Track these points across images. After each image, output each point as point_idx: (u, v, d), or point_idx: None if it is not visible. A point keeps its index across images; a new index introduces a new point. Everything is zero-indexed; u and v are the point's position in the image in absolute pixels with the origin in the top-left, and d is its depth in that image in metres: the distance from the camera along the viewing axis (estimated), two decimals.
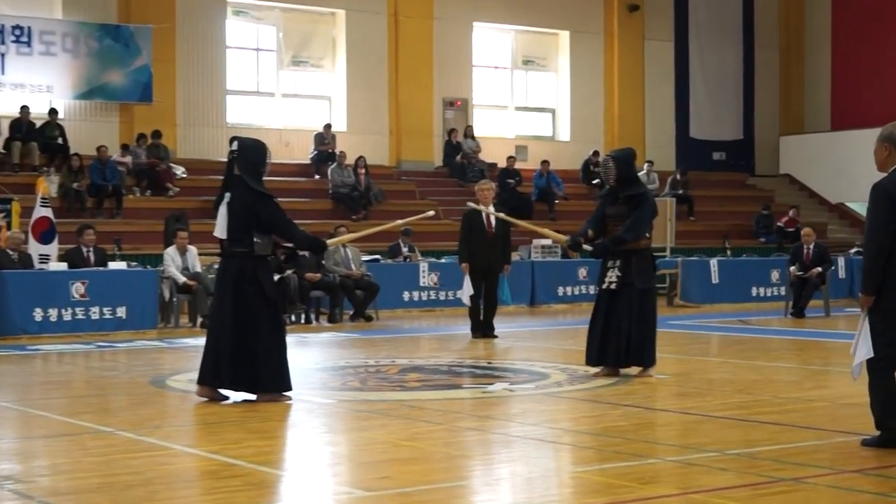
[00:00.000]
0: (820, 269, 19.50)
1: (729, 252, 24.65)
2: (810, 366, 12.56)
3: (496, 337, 15.38)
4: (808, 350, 14.60)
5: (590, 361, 11.13)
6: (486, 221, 15.26)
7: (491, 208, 15.53)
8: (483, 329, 15.50)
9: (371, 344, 15.07)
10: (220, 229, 9.59)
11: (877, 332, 7.25)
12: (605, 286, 11.00)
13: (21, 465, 7.18)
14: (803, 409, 9.05)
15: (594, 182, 29.20)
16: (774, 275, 22.95)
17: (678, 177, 29.62)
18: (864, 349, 7.29)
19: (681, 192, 29.09)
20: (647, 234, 11.11)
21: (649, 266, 11.13)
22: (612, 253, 10.94)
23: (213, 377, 9.51)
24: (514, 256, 22.69)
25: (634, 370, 11.05)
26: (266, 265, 9.66)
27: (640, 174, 28.51)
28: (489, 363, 12.66)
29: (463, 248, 15.56)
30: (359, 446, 7.76)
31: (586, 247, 11.16)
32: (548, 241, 22.18)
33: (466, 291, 15.62)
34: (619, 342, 10.88)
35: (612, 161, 11.06)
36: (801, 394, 9.97)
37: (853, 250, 25.59)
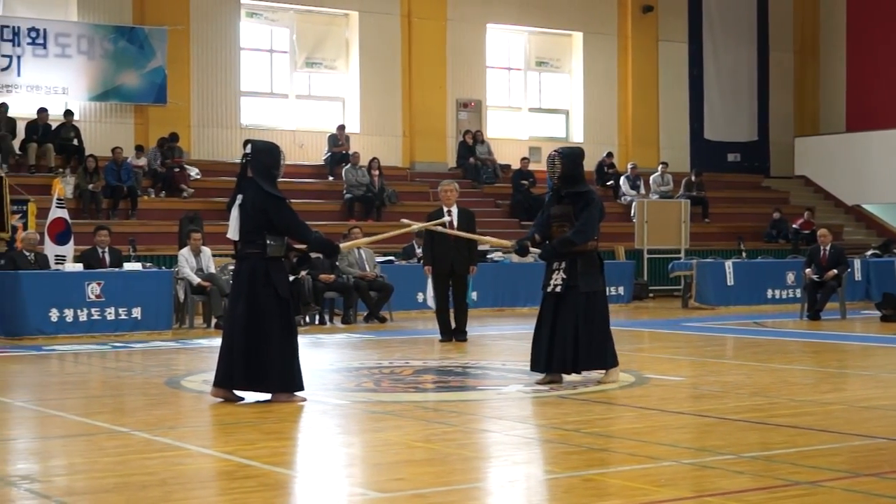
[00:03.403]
0: (836, 271, 19.45)
1: (744, 254, 24.60)
2: (826, 368, 12.53)
3: (466, 342, 15.15)
4: (824, 352, 14.55)
5: (537, 367, 10.64)
6: (449, 223, 14.78)
7: (454, 209, 15.40)
8: (454, 334, 15.32)
9: (385, 345, 15.07)
10: (233, 231, 9.61)
11: None
12: (549, 289, 10.56)
13: (38, 464, 7.20)
14: (820, 412, 9.02)
15: (608, 183, 29.21)
16: (790, 277, 22.89)
17: (693, 178, 29.58)
18: None
19: (695, 193, 29.04)
20: (595, 237, 10.67)
21: (596, 269, 10.60)
22: (559, 255, 10.53)
23: (227, 379, 9.52)
24: (528, 258, 22.73)
25: (595, 376, 10.70)
26: (279, 266, 9.65)
27: (655, 175, 28.88)
28: (503, 364, 12.65)
29: (427, 250, 15.45)
30: (373, 447, 7.75)
31: (533, 250, 10.93)
32: None
33: (430, 294, 15.64)
34: (566, 348, 10.43)
35: (559, 157, 10.60)
36: (817, 396, 9.94)
37: (869, 252, 25.52)
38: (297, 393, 9.53)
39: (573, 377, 10.72)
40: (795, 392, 10.23)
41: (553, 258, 10.62)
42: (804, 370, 12.27)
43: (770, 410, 9.08)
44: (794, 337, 16.61)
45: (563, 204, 10.66)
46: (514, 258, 22.26)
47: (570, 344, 10.43)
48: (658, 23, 31.89)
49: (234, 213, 9.60)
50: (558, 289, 10.52)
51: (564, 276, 10.50)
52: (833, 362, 13.31)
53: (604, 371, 10.68)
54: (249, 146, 9.75)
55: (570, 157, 10.73)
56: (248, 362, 9.42)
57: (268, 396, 9.49)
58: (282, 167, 9.80)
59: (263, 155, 9.69)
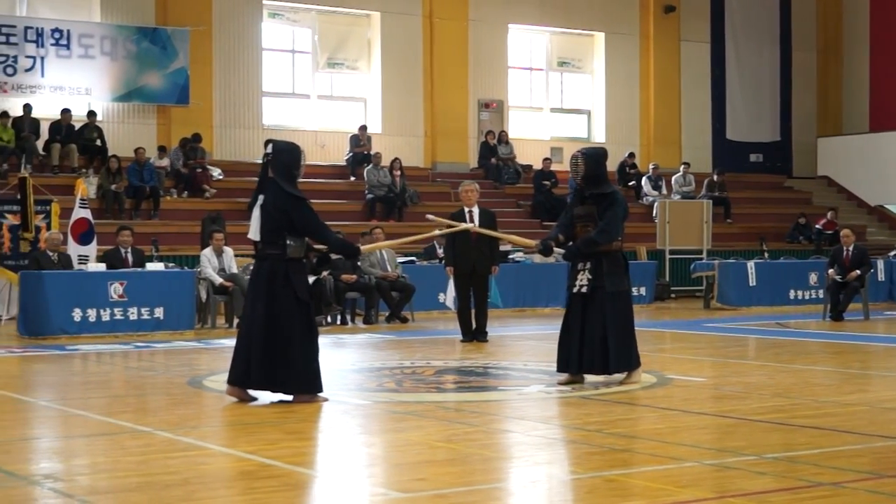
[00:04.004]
0: (859, 271, 19.37)
1: (766, 254, 24.53)
2: (849, 369, 12.48)
3: (487, 342, 15.14)
4: (846, 353, 14.49)
5: (567, 368, 10.63)
6: (469, 223, 14.69)
7: (475, 209, 15.36)
8: (474, 335, 15.28)
9: (407, 345, 15.08)
10: (254, 231, 9.61)
11: None
12: (575, 290, 10.55)
13: (61, 463, 7.23)
14: (843, 413, 8.99)
15: (630, 184, 29.15)
16: (812, 277, 22.82)
17: (715, 178, 29.51)
18: None
19: (717, 194, 28.97)
20: (619, 237, 10.67)
21: (621, 269, 10.60)
22: (583, 255, 10.52)
23: (243, 378, 9.53)
24: (549, 258, 22.71)
25: (617, 377, 10.67)
26: (299, 267, 9.64)
27: (677, 175, 28.82)
28: (525, 365, 12.64)
29: (448, 251, 15.42)
30: (395, 447, 7.76)
31: (557, 250, 10.91)
32: None
33: (451, 295, 15.59)
34: (593, 348, 10.42)
35: (582, 158, 10.59)
36: (840, 397, 9.90)
37: (892, 253, 25.40)
38: (318, 394, 9.54)
39: (595, 378, 10.70)
40: (818, 393, 10.19)
41: (577, 258, 10.62)
42: (827, 371, 12.23)
43: (792, 411, 9.06)
44: (817, 338, 16.55)
45: (587, 204, 10.65)
46: (537, 258, 22.26)
47: (599, 345, 10.43)
48: (680, 23, 31.82)
49: (256, 213, 9.60)
50: (584, 289, 10.51)
51: (590, 277, 10.50)
52: (856, 363, 13.26)
53: (626, 372, 10.68)
54: (270, 146, 9.76)
55: (593, 157, 10.72)
56: (268, 364, 9.41)
57: (288, 397, 9.50)
58: (302, 167, 9.77)
59: (284, 155, 9.69)
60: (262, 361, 9.41)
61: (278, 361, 9.41)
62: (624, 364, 10.57)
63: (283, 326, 9.41)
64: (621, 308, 10.54)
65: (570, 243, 10.72)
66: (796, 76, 33.63)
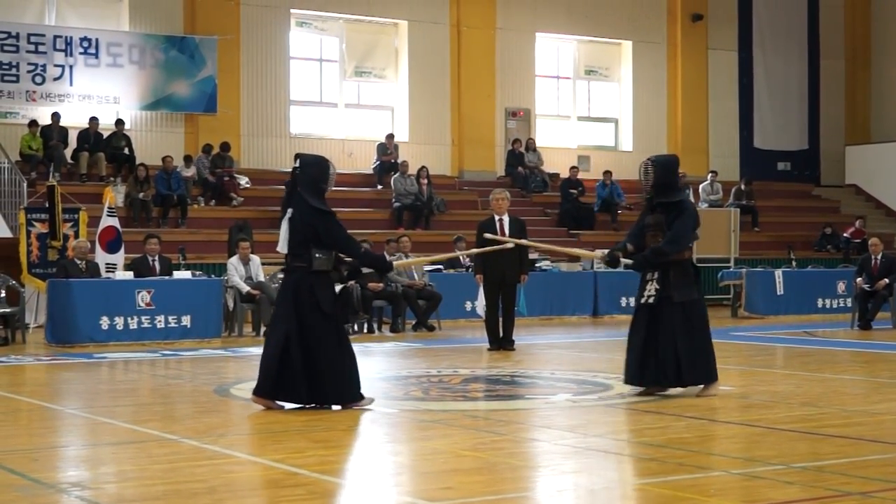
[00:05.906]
0: (887, 280, 19.27)
1: (794, 263, 24.43)
2: (878, 378, 12.40)
3: (513, 350, 15.09)
4: (875, 363, 14.42)
5: (631, 380, 10.47)
6: (499, 231, 14.73)
7: (506, 218, 15.33)
8: (501, 343, 15.22)
9: (433, 354, 15.07)
10: (282, 244, 9.65)
11: None
12: (643, 300, 10.38)
13: (88, 471, 7.26)
14: (871, 423, 8.94)
15: None
16: (840, 286, 22.71)
17: (742, 187, 29.41)
18: None
19: (745, 202, 28.88)
20: (689, 246, 10.54)
21: (690, 278, 10.39)
22: (653, 266, 10.33)
23: (272, 390, 9.52)
24: (576, 267, 22.71)
25: (694, 389, 10.50)
26: (325, 281, 9.62)
27: (705, 183, 28.74)
28: (552, 373, 12.61)
29: (478, 259, 15.34)
30: (421, 456, 7.75)
31: (625, 261, 10.75)
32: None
33: (480, 303, 15.56)
34: (665, 360, 10.21)
35: (652, 166, 10.42)
36: (868, 407, 9.84)
37: None
38: (361, 401, 9.57)
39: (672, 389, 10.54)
40: (846, 402, 10.14)
41: (645, 268, 10.45)
42: (855, 380, 12.16)
43: (820, 420, 9.01)
44: (845, 347, 16.46)
45: (657, 213, 10.48)
46: (563, 267, 22.26)
47: (672, 357, 10.21)
48: (708, 31, 31.75)
49: (284, 226, 9.64)
50: (651, 300, 10.33)
51: (658, 287, 10.31)
52: (884, 372, 13.16)
53: (702, 384, 10.45)
54: (299, 160, 9.79)
55: (663, 165, 10.54)
56: (305, 378, 9.40)
57: (336, 406, 9.51)
58: (331, 179, 9.74)
59: (311, 168, 9.69)
60: (301, 376, 9.39)
61: (313, 375, 9.41)
62: (698, 376, 10.35)
63: (310, 338, 9.42)
64: (692, 318, 10.29)
65: (638, 254, 10.51)
66: (824, 84, 33.50)
